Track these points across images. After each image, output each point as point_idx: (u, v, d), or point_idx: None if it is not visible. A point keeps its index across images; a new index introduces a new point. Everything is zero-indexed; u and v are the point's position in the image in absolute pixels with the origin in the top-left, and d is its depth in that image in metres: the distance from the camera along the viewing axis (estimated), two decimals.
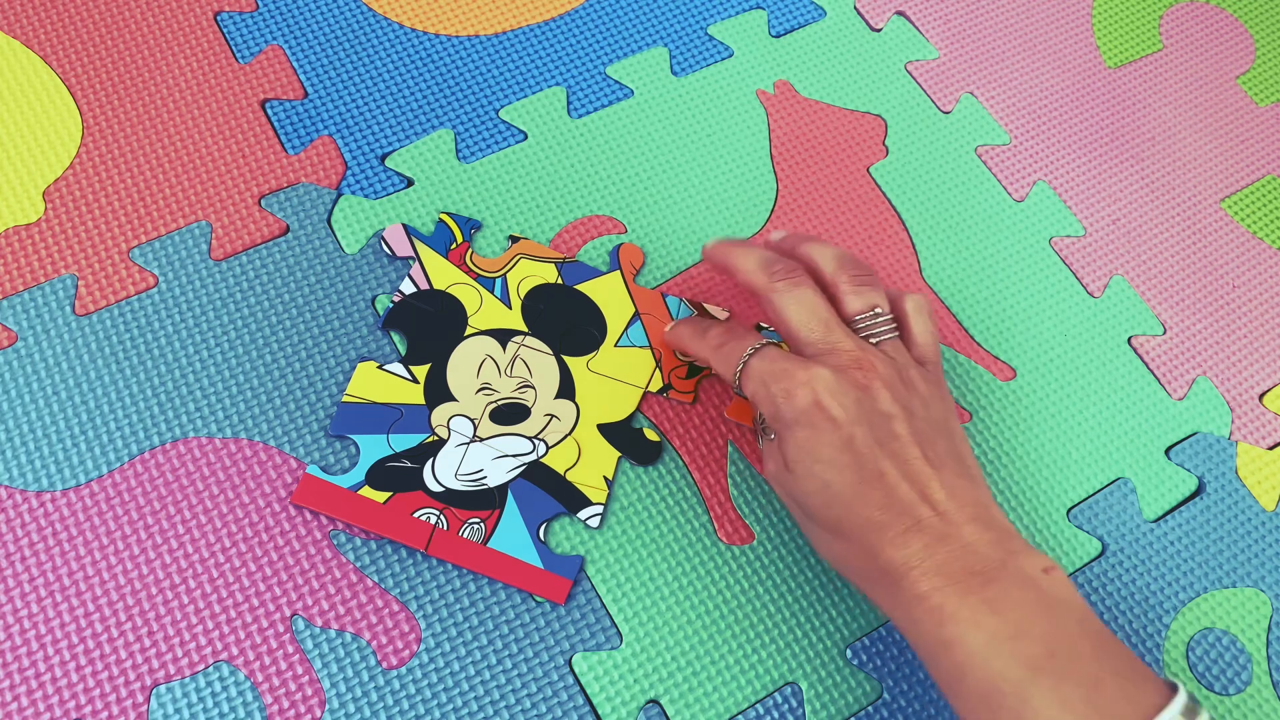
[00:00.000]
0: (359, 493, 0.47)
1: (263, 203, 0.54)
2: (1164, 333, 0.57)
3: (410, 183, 0.55)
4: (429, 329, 0.51)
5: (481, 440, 0.49)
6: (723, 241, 0.49)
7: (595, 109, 0.58)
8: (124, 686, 0.44)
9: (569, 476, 0.49)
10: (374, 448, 0.48)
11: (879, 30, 0.63)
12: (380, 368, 0.50)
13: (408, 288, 0.51)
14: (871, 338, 0.45)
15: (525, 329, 0.51)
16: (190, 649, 0.45)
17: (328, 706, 0.44)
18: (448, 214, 0.54)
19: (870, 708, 0.47)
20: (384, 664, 0.45)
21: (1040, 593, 0.39)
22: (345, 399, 0.49)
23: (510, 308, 0.52)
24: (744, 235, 0.56)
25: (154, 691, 0.44)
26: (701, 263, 0.55)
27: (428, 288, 0.52)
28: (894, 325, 0.46)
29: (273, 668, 0.45)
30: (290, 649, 0.45)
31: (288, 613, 0.46)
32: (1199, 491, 0.53)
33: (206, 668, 0.44)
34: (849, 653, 0.47)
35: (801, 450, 0.42)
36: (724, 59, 0.61)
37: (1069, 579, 0.40)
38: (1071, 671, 0.37)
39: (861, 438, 0.41)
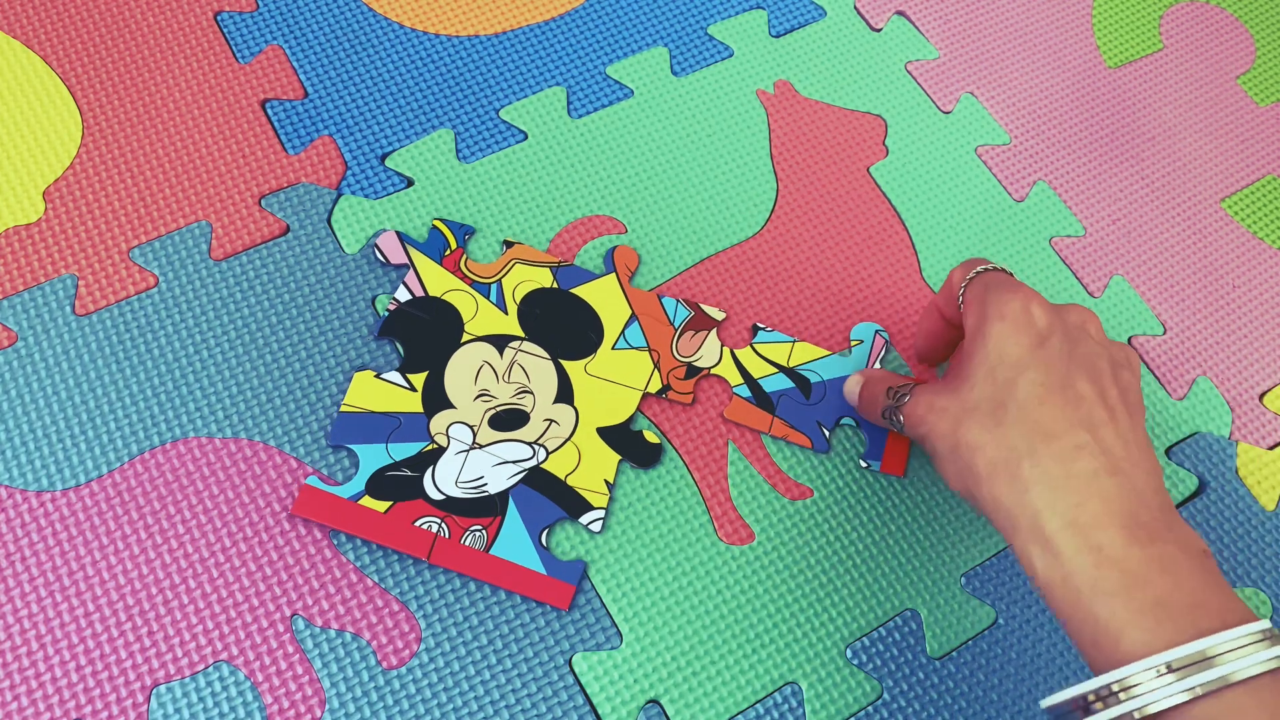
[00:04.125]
0: (359, 503, 0.47)
1: (263, 203, 0.54)
2: (1164, 333, 0.57)
3: (410, 183, 0.55)
4: (425, 336, 0.51)
5: (481, 447, 0.49)
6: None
7: (595, 109, 0.58)
8: (124, 686, 0.44)
9: (570, 481, 0.49)
10: (373, 457, 0.48)
11: (879, 30, 0.63)
12: (377, 376, 0.50)
13: (403, 295, 0.51)
14: None
15: (522, 334, 0.51)
16: (190, 649, 0.45)
17: (328, 706, 0.44)
18: (441, 220, 0.54)
19: (870, 708, 0.47)
20: (384, 664, 0.45)
21: (1207, 571, 0.37)
22: (343, 409, 0.49)
23: (506, 313, 0.52)
24: (743, 235, 0.56)
25: (154, 691, 0.44)
26: (701, 263, 0.55)
27: (423, 295, 0.52)
28: None
29: (273, 668, 0.45)
30: (290, 649, 0.45)
31: (288, 613, 0.46)
32: (1199, 491, 0.53)
33: (206, 668, 0.44)
34: (849, 653, 0.47)
35: (992, 339, 0.41)
36: (724, 59, 0.61)
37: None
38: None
39: (1057, 346, 0.40)
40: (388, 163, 0.55)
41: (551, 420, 0.50)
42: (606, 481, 0.49)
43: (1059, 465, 0.38)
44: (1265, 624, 0.36)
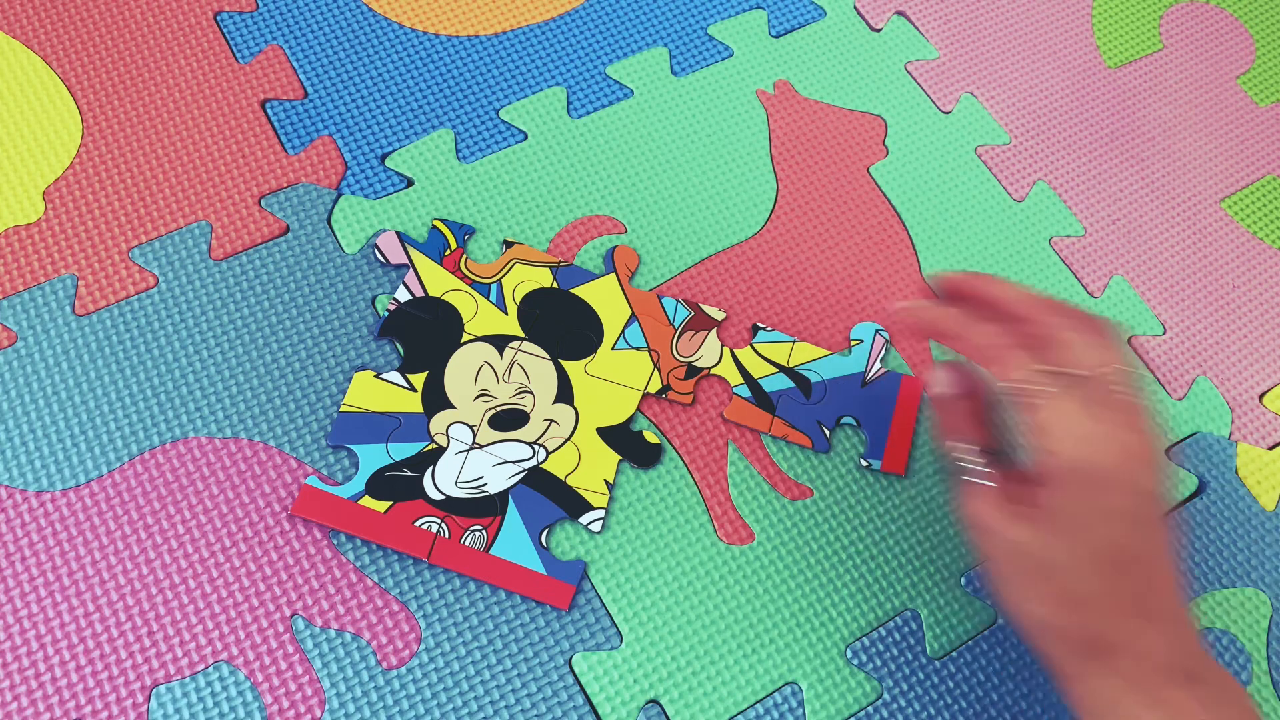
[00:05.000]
0: (359, 503, 0.47)
1: (263, 203, 0.54)
2: (1164, 333, 0.57)
3: (410, 183, 0.55)
4: (425, 336, 0.51)
5: (481, 447, 0.49)
6: (919, 306, 0.45)
7: (595, 109, 0.58)
8: (124, 686, 0.44)
9: (570, 481, 0.49)
10: (373, 457, 0.48)
11: (879, 30, 0.63)
12: (377, 376, 0.50)
13: (403, 295, 0.51)
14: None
15: (522, 334, 0.51)
16: (190, 649, 0.45)
17: (328, 706, 0.44)
18: (441, 220, 0.54)
19: (870, 708, 0.47)
20: (384, 664, 0.45)
21: (1246, 703, 0.40)
22: (343, 409, 0.49)
23: (506, 313, 0.52)
24: (743, 235, 0.56)
25: (154, 691, 0.44)
26: (700, 264, 0.55)
27: (423, 295, 0.51)
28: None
29: (273, 668, 0.45)
30: (290, 649, 0.45)
31: (288, 613, 0.46)
32: (1199, 491, 0.53)
33: (206, 668, 0.44)
34: (849, 653, 0.47)
35: (1078, 502, 0.39)
36: (724, 59, 0.61)
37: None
38: None
39: (1151, 511, 0.40)
40: (388, 163, 0.55)
41: (551, 420, 0.50)
42: (606, 481, 0.49)
43: (1119, 640, 0.39)
44: None
